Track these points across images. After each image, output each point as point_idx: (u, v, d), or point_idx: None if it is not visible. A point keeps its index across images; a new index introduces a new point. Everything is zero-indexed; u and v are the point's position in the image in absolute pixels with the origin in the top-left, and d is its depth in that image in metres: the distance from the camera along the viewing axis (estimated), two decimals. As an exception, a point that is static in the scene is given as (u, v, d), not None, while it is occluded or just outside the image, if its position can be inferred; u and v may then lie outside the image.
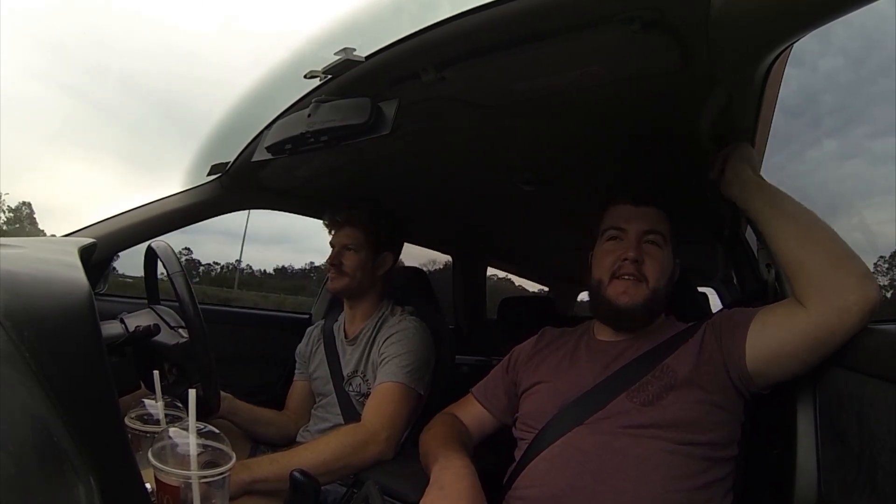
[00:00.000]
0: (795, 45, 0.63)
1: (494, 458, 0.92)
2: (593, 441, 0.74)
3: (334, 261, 1.14)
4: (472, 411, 0.95)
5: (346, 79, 0.78)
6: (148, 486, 0.51)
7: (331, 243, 1.18)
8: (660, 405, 0.73)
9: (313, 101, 0.81)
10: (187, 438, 0.53)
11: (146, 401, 0.66)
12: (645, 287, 0.81)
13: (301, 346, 1.27)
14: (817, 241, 0.69)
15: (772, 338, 0.70)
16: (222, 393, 0.83)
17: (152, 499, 0.52)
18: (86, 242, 0.69)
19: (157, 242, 0.79)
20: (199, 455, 0.52)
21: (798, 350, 0.68)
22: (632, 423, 0.73)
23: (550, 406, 0.80)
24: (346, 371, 1.13)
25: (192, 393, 0.56)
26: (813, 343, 0.67)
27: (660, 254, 0.83)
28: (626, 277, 0.81)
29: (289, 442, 1.13)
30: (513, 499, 0.78)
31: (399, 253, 1.24)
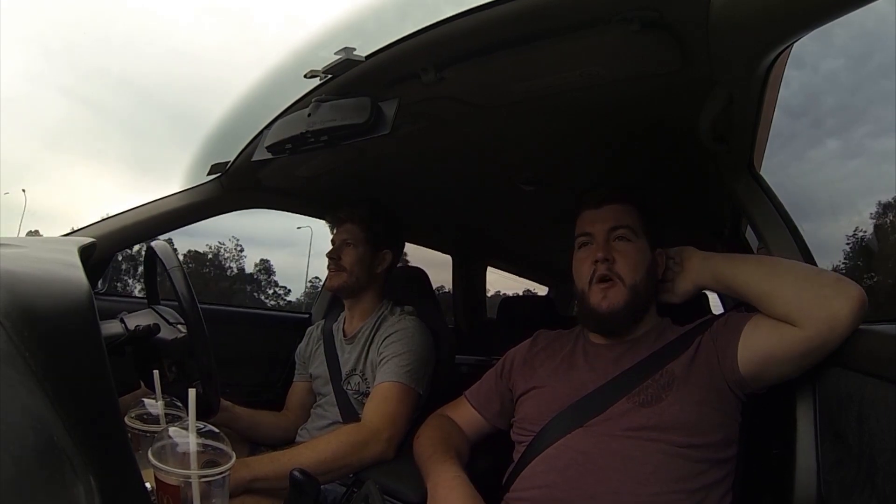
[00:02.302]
0: (796, 46, 0.63)
1: (491, 460, 0.92)
2: (592, 443, 0.74)
3: (333, 255, 1.15)
4: (465, 415, 0.94)
5: (346, 78, 0.78)
6: (148, 485, 0.51)
7: (332, 241, 1.19)
8: (658, 406, 0.73)
9: (313, 100, 0.81)
10: (187, 438, 0.53)
11: (146, 400, 0.66)
12: (622, 287, 0.80)
13: (301, 347, 1.27)
14: (784, 271, 0.73)
15: (764, 343, 0.71)
16: (222, 402, 0.83)
17: (152, 499, 0.52)
18: (86, 242, 0.68)
19: (156, 242, 0.79)
20: (198, 454, 0.52)
21: (791, 357, 0.69)
22: (631, 426, 0.73)
23: (549, 409, 0.80)
24: (344, 370, 1.13)
25: (191, 392, 0.56)
26: (805, 352, 0.68)
27: (630, 247, 0.82)
28: (603, 281, 0.81)
29: (289, 442, 1.13)
30: (511, 500, 0.77)
31: (399, 252, 1.25)
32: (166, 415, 0.64)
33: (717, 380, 0.74)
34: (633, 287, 0.81)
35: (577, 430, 0.76)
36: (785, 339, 0.68)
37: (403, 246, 1.28)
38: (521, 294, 2.93)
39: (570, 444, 0.75)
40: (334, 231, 1.20)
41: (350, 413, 1.08)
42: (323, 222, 1.39)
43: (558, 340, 0.93)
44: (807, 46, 0.65)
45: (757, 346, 0.71)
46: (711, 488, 0.71)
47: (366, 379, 1.10)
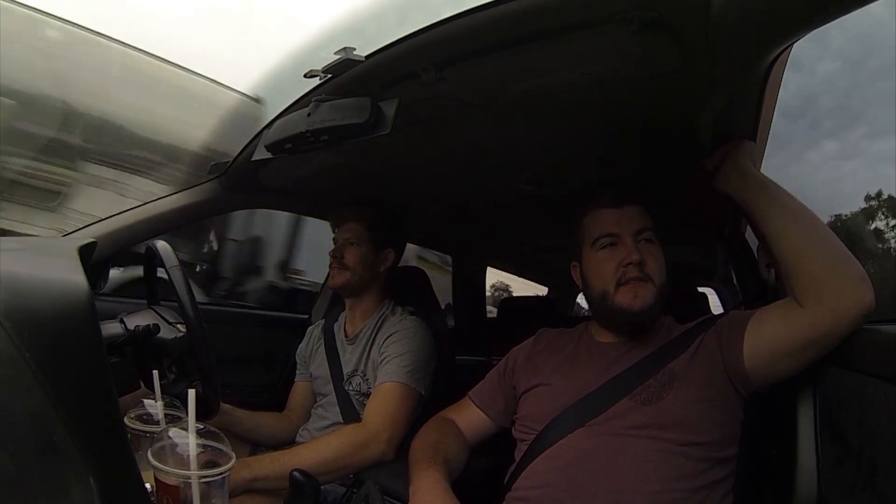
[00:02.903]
0: (793, 49, 0.63)
1: (493, 459, 0.92)
2: (593, 442, 0.74)
3: (336, 254, 1.15)
4: (470, 415, 0.94)
5: (346, 78, 0.78)
6: (148, 486, 0.51)
7: (334, 239, 1.19)
8: (659, 404, 0.73)
9: (313, 100, 0.80)
10: (187, 438, 0.53)
11: (146, 401, 0.66)
12: (652, 286, 0.80)
13: (301, 347, 1.27)
14: (817, 242, 0.68)
15: (768, 334, 0.71)
16: (223, 405, 0.83)
17: (152, 499, 0.52)
18: (86, 242, 0.68)
19: (156, 241, 0.78)
20: (198, 455, 0.52)
21: (793, 348, 0.69)
22: (633, 424, 0.73)
23: (551, 408, 0.80)
24: (346, 370, 1.13)
25: (191, 393, 0.56)
26: (808, 342, 0.67)
27: (656, 250, 0.83)
28: (633, 281, 0.79)
29: (289, 443, 1.13)
30: (513, 499, 0.78)
31: (402, 252, 1.25)
32: (166, 415, 0.64)
33: (719, 378, 0.74)
34: (661, 287, 0.81)
35: (579, 430, 0.76)
36: (789, 328, 0.68)
37: (405, 246, 1.28)
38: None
39: (571, 444, 0.75)
40: (336, 230, 1.20)
41: (351, 413, 1.08)
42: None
43: (561, 338, 0.93)
44: (803, 49, 0.65)
45: (762, 337, 0.71)
46: (713, 487, 0.71)
47: (367, 379, 1.10)
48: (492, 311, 2.46)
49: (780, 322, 0.70)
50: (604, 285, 0.82)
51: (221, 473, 0.53)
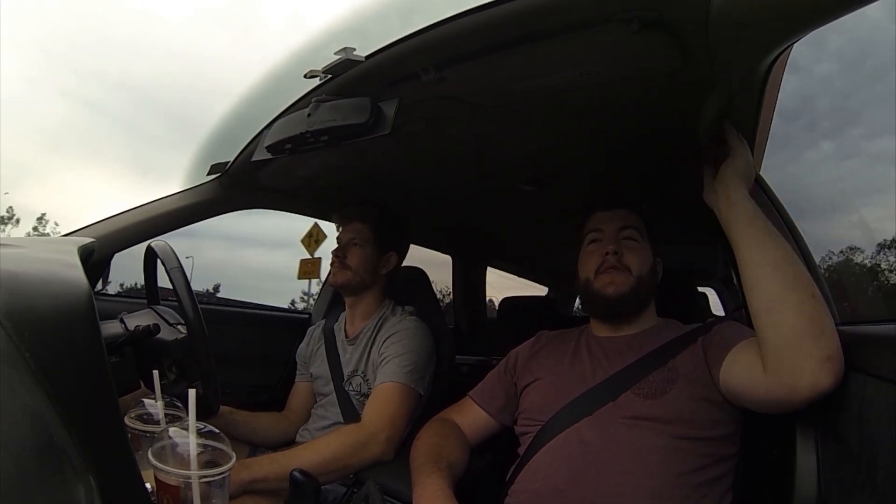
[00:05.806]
0: (791, 51, 0.63)
1: (494, 457, 0.93)
2: (596, 433, 0.74)
3: (339, 253, 1.16)
4: (471, 415, 0.95)
5: (346, 78, 0.78)
6: (148, 486, 0.51)
7: (337, 238, 1.20)
8: (662, 399, 0.74)
9: (313, 100, 0.81)
10: (187, 438, 0.53)
11: (146, 401, 0.66)
12: (629, 275, 0.85)
13: (302, 347, 1.27)
14: (791, 306, 0.61)
15: (737, 377, 0.70)
16: (221, 408, 0.83)
17: (152, 499, 0.52)
18: (86, 242, 0.68)
19: (157, 242, 0.78)
20: (199, 455, 0.52)
21: (754, 400, 0.68)
22: (635, 415, 0.74)
23: (554, 401, 0.81)
24: (346, 370, 1.13)
25: (191, 393, 0.56)
26: (764, 403, 0.67)
27: (637, 246, 0.88)
28: (611, 270, 0.85)
29: (289, 443, 1.13)
30: (516, 493, 0.78)
31: (403, 256, 1.26)
32: (166, 415, 0.64)
33: (712, 383, 0.74)
34: (640, 278, 0.85)
35: (581, 422, 0.77)
36: (751, 383, 0.67)
37: (408, 249, 1.28)
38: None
39: (573, 435, 0.76)
40: (340, 229, 1.21)
41: (351, 414, 1.08)
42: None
43: (561, 337, 0.95)
44: (801, 51, 0.65)
45: (732, 375, 0.71)
46: (712, 484, 0.71)
47: (367, 380, 1.10)
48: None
49: (746, 373, 0.68)
50: (587, 274, 0.89)
51: (222, 473, 0.53)
